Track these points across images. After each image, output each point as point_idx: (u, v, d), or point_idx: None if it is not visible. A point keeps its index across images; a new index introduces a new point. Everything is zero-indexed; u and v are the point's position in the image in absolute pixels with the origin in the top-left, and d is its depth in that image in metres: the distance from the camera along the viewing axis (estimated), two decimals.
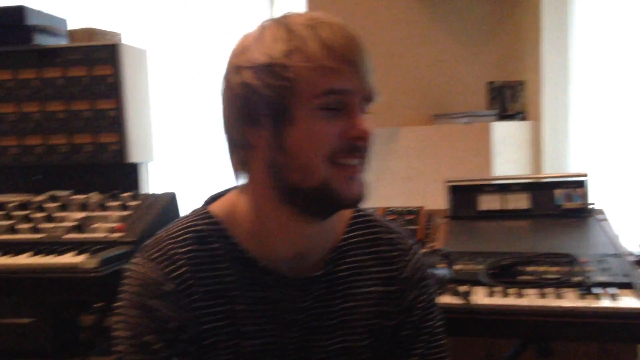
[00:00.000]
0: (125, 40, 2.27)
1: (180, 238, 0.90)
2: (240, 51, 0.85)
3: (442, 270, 1.24)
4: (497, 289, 1.24)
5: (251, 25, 0.89)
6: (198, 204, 0.97)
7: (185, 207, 2.03)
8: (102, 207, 1.88)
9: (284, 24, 0.83)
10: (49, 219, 1.84)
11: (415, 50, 2.89)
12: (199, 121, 3.12)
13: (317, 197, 0.84)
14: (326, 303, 0.93)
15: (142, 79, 2.25)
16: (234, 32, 2.95)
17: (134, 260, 0.91)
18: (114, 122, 2.10)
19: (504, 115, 2.74)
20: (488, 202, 1.66)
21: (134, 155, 2.14)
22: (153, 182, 2.28)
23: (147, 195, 1.95)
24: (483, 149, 2.33)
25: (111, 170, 2.13)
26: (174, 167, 3.04)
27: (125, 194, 1.94)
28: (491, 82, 2.81)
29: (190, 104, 3.14)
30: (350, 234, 0.97)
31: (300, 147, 0.82)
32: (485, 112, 2.69)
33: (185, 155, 3.13)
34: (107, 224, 1.75)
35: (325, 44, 0.80)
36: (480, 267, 1.30)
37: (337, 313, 0.94)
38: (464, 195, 1.68)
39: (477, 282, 1.26)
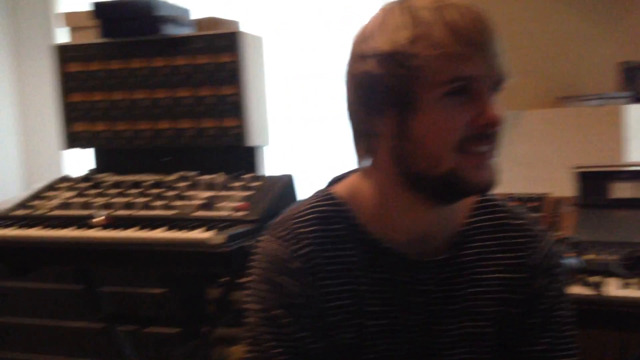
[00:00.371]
0: (241, 27, 2.34)
1: (306, 218, 0.92)
2: (363, 39, 0.85)
3: (570, 260, 1.18)
4: (633, 280, 1.16)
5: (366, 7, 0.88)
6: (316, 185, 0.99)
7: (300, 189, 2.09)
8: (227, 187, 1.98)
9: (407, 7, 0.81)
10: (180, 197, 1.98)
11: (539, 28, 2.74)
12: (308, 106, 3.16)
13: (444, 185, 0.83)
14: (449, 287, 0.92)
15: (260, 65, 2.32)
16: (345, 15, 2.96)
17: (262, 238, 0.94)
18: (235, 107, 2.19)
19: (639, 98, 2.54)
20: (621, 190, 1.56)
21: (253, 138, 2.22)
22: (268, 165, 2.35)
23: (267, 177, 2.03)
24: (615, 134, 2.17)
25: (231, 152, 2.21)
26: (285, 150, 3.11)
27: (247, 175, 2.03)
28: (624, 62, 2.60)
29: (298, 90, 3.18)
30: (475, 219, 0.95)
31: (427, 136, 0.81)
32: (618, 94, 2.50)
33: (295, 140, 3.19)
34: (231, 203, 1.85)
35: (452, 29, 0.78)
36: (614, 257, 1.23)
37: (460, 298, 0.92)
38: (594, 182, 1.59)
39: (610, 273, 1.19)
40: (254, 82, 2.25)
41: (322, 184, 0.99)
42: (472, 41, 0.78)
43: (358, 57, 0.85)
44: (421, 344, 0.92)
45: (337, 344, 0.90)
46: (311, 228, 0.91)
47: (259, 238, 0.94)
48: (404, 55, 0.79)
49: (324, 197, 0.95)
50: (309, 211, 0.93)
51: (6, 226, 1.98)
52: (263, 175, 2.13)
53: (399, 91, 0.81)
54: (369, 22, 0.86)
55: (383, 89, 0.81)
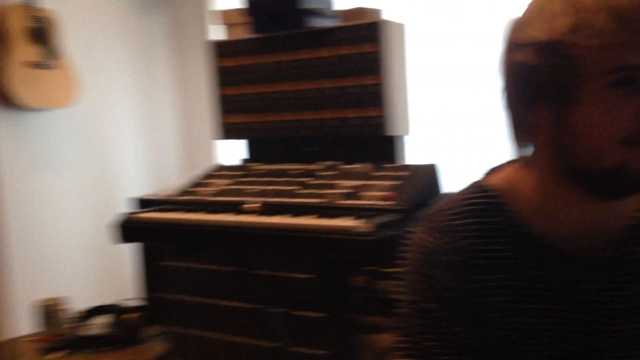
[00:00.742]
0: (384, 15, 2.33)
1: (461, 210, 0.90)
2: (519, 26, 0.81)
3: None
4: None
5: None
6: (457, 175, 0.97)
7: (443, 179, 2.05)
8: (372, 176, 2.00)
9: None
10: (327, 185, 2.04)
11: None
12: (450, 95, 3.08)
13: (608, 181, 0.77)
14: (617, 286, 0.86)
15: (401, 54, 2.31)
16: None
17: (415, 229, 0.94)
18: (377, 97, 2.19)
19: None
20: None
21: (394, 128, 2.21)
22: (409, 155, 2.33)
23: (412, 166, 2.02)
24: None
25: (373, 142, 2.23)
26: (425, 140, 3.05)
27: (392, 165, 2.03)
28: None
29: (441, 78, 3.11)
30: None
31: (588, 130, 0.76)
32: None
33: (436, 129, 3.13)
34: (377, 192, 1.87)
35: (616, 15, 0.72)
36: None
37: (630, 297, 0.86)
38: None
39: None
40: (396, 71, 2.24)
41: (477, 175, 0.97)
42: (638, 28, 0.72)
43: (514, 45, 0.82)
44: (583, 344, 0.87)
45: (493, 341, 0.87)
46: (466, 220, 0.88)
47: (411, 229, 0.94)
48: (563, 44, 0.75)
49: (480, 189, 0.92)
50: (464, 203, 0.91)
51: (172, 210, 2.18)
52: (408, 164, 2.12)
53: (557, 82, 0.76)
54: (527, 8, 0.82)
55: (540, 80, 0.78)
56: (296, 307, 2.00)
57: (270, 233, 1.91)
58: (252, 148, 2.54)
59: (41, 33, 2.66)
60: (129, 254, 2.60)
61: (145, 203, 2.35)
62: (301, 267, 1.98)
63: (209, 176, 2.42)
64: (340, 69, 2.25)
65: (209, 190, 2.29)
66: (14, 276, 2.66)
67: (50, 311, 1.83)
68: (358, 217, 1.75)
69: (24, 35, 2.62)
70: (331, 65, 2.26)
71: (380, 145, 2.23)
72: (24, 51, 2.62)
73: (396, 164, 2.04)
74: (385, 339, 1.73)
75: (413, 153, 2.37)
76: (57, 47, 2.72)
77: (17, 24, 2.61)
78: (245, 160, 2.51)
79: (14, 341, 1.90)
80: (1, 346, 1.77)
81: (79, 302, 1.94)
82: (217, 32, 2.78)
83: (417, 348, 0.87)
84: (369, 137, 2.22)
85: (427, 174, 1.98)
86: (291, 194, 2.08)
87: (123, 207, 2.50)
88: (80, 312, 1.85)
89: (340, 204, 1.92)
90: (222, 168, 2.48)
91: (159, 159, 3.35)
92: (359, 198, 1.92)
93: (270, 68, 2.40)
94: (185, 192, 2.33)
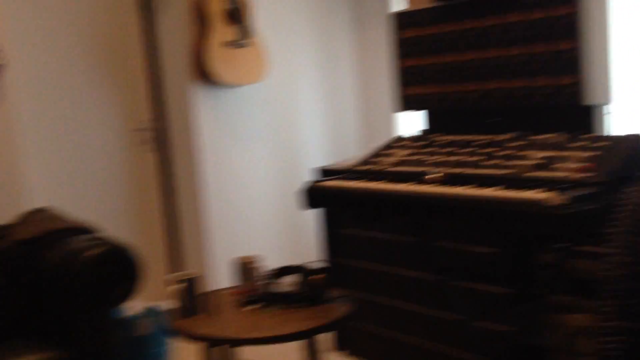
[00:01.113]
0: None
1: None
2: None
3: None
4: None
5: None
6: None
7: None
8: (564, 147, 1.86)
9: None
10: (513, 157, 1.94)
11: None
12: None
13: None
14: None
15: (602, 16, 2.10)
16: None
17: (632, 189, 0.88)
18: (571, 63, 2.03)
19: None
20: None
21: (591, 96, 2.03)
22: (612, 126, 2.13)
23: (612, 137, 1.83)
24: None
25: (566, 111, 2.08)
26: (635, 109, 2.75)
27: (588, 135, 1.87)
28: None
29: None
30: None
31: None
32: None
33: None
34: (570, 164, 1.73)
35: None
36: None
37: None
38: None
39: None
40: (595, 34, 2.05)
41: None
42: None
43: None
44: None
45: None
46: None
47: (628, 190, 0.88)
48: None
49: None
50: None
51: (353, 179, 2.25)
52: (608, 134, 1.93)
53: None
54: None
55: None
56: (479, 281, 1.95)
57: (453, 204, 1.88)
58: (431, 119, 2.52)
59: (236, 14, 2.87)
60: (314, 219, 2.74)
61: (328, 172, 2.45)
62: (485, 240, 1.92)
63: (389, 147, 2.44)
64: (530, 34, 2.12)
65: (390, 160, 2.31)
66: (215, 236, 2.97)
67: (246, 268, 2.00)
68: (550, 190, 1.64)
69: (222, 17, 2.85)
70: (520, 30, 2.14)
71: (574, 115, 2.07)
72: (222, 32, 2.85)
73: (593, 135, 1.87)
74: (577, 320, 1.62)
75: (618, 123, 2.15)
76: (249, 26, 2.92)
77: (217, 7, 2.84)
78: (425, 132, 2.49)
79: (216, 293, 2.11)
80: (206, 296, 1.98)
81: (270, 261, 2.09)
82: (398, 4, 2.76)
83: (627, 311, 0.83)
84: (562, 106, 2.08)
85: (632, 145, 1.79)
86: (475, 165, 2.02)
87: (307, 176, 2.63)
88: (272, 270, 2.00)
89: (529, 175, 1.81)
90: (402, 139, 2.49)
91: (340, 130, 3.46)
92: (551, 170, 1.80)
93: (453, 37, 2.34)
94: (366, 162, 2.38)
